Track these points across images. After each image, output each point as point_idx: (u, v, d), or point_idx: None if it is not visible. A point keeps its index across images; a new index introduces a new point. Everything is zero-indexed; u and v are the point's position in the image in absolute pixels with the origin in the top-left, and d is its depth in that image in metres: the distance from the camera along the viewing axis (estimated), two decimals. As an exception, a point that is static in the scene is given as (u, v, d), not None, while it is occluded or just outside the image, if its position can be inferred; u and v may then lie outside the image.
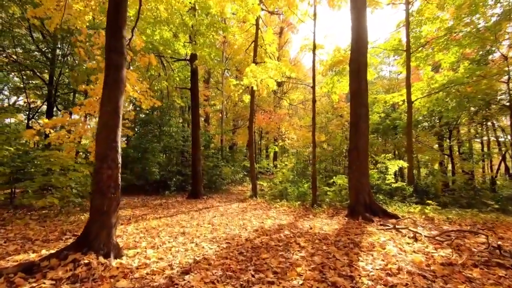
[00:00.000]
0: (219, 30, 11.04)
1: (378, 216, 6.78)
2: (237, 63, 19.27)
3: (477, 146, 17.02)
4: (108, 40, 3.87)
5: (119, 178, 3.76)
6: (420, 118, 14.29)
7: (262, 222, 6.56)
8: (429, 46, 11.98)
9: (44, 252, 3.90)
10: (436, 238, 4.60)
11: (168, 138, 15.40)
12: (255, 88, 9.50)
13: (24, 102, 15.64)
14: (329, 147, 16.55)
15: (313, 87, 9.80)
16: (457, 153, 15.14)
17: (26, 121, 14.88)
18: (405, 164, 10.17)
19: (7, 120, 14.93)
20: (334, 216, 7.37)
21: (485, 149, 15.98)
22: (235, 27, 14.20)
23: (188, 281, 2.94)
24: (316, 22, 9.68)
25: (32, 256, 3.71)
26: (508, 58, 10.73)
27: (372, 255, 3.84)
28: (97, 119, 4.82)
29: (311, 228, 5.76)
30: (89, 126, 10.94)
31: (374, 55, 15.17)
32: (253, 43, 12.67)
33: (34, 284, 2.75)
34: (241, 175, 19.00)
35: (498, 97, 12.05)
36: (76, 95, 14.78)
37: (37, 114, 15.80)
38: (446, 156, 14.89)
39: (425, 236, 4.66)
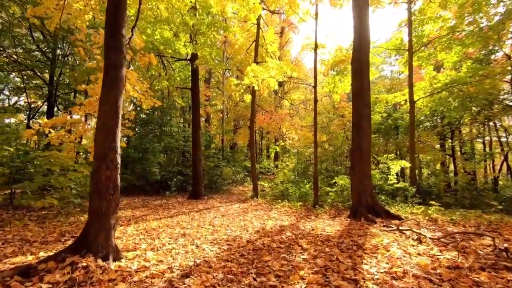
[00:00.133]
0: (220, 30, 10.98)
1: (380, 217, 6.71)
2: (238, 63, 19.20)
3: (479, 146, 16.90)
4: (107, 39, 3.80)
5: (118, 179, 3.69)
6: (422, 118, 14.19)
7: (264, 223, 6.49)
8: (432, 45, 11.88)
9: (42, 254, 3.84)
10: (441, 240, 4.52)
11: (168, 138, 15.34)
12: (256, 87, 9.43)
13: (25, 102, 15.62)
14: (330, 147, 16.45)
15: (315, 87, 9.72)
16: (459, 153, 15.02)
17: (26, 121, 14.85)
18: (407, 164, 10.08)
19: (7, 120, 14.92)
20: (336, 217, 7.29)
21: (487, 149, 15.86)
22: (236, 26, 14.12)
23: (188, 285, 2.88)
24: (317, 21, 9.61)
25: (30, 259, 3.65)
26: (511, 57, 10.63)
27: (376, 258, 3.76)
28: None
29: (313, 230, 5.68)
30: (89, 126, 10.90)
31: (376, 54, 15.08)
32: (254, 42, 12.61)
33: (30, 288, 2.68)
34: (242, 175, 18.94)
35: (501, 97, 11.94)
36: (77, 95, 14.75)
37: (37, 114, 15.77)
38: (448, 156, 14.79)
39: (430, 238, 4.58)
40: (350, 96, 18.85)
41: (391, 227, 5.63)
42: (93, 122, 14.33)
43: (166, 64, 13.80)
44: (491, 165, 17.56)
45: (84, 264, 3.06)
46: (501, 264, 3.40)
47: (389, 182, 9.83)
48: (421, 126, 14.66)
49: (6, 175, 7.67)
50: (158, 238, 5.00)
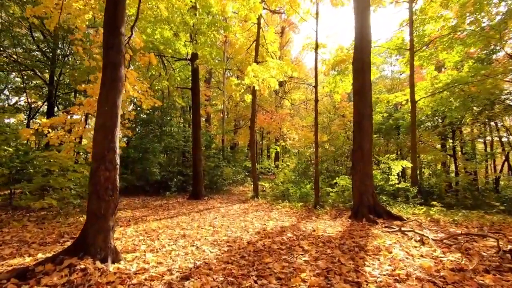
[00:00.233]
0: (220, 29, 10.93)
1: (382, 218, 6.65)
2: (238, 63, 19.14)
3: (480, 146, 16.83)
4: (106, 37, 3.76)
5: (117, 180, 3.64)
6: (424, 118, 14.13)
7: (264, 224, 6.44)
8: (433, 45, 11.81)
9: (40, 256, 3.79)
10: (444, 241, 4.46)
11: (169, 138, 15.30)
12: (256, 87, 9.38)
13: (25, 102, 15.61)
14: (331, 147, 16.40)
15: (316, 87, 9.67)
16: (460, 153, 14.95)
17: (26, 122, 14.83)
18: (409, 165, 10.03)
19: (8, 120, 14.89)
20: (337, 218, 7.23)
21: (488, 149, 15.79)
22: (237, 26, 14.07)
23: (188, 288, 2.83)
24: (318, 21, 9.56)
25: (28, 260, 3.60)
26: (513, 57, 10.58)
27: (379, 260, 3.71)
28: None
29: (314, 231, 5.63)
30: (89, 126, 10.86)
31: (377, 54, 15.03)
32: (255, 42, 12.56)
33: (27, 291, 2.64)
34: (243, 176, 18.89)
35: (503, 97, 11.88)
36: (77, 95, 14.72)
37: (38, 114, 15.75)
38: (449, 157, 14.72)
39: (432, 239, 4.52)
40: (351, 96, 18.83)
41: (393, 228, 5.57)
42: (92, 122, 14.28)
43: (166, 64, 13.76)
44: (492, 165, 17.49)
45: (82, 266, 3.01)
46: (506, 267, 3.34)
47: (390, 182, 9.77)
48: (422, 126, 14.61)
49: (6, 176, 7.64)
50: (158, 239, 4.95)
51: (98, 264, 3.17)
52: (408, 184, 9.57)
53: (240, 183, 18.05)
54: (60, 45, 13.29)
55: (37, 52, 13.35)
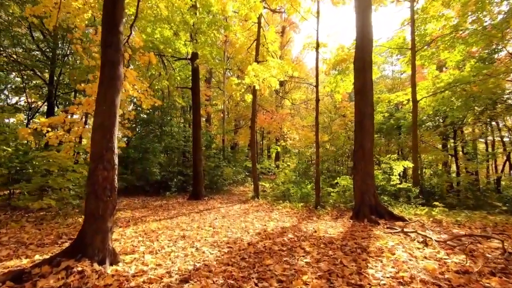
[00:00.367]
0: (221, 29, 10.86)
1: (384, 219, 6.58)
2: (239, 62, 19.08)
3: (481, 146, 16.74)
4: (105, 36, 3.70)
5: (116, 180, 3.58)
6: (425, 117, 14.05)
7: (265, 225, 6.38)
8: (435, 44, 11.74)
9: (37, 257, 3.73)
10: (448, 242, 4.40)
11: (169, 138, 15.24)
12: (257, 87, 9.31)
13: (25, 102, 15.56)
14: (331, 147, 16.33)
15: (316, 86, 9.60)
16: (461, 153, 14.87)
17: (26, 121, 14.78)
18: (410, 165, 9.96)
19: (7, 120, 14.84)
20: (339, 218, 7.17)
21: (489, 149, 15.71)
22: (237, 25, 14.01)
23: (187, 291, 2.77)
24: (319, 20, 9.49)
25: (25, 262, 3.54)
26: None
27: (381, 262, 3.64)
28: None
29: (315, 231, 5.56)
30: (88, 126, 10.80)
31: (378, 54, 14.94)
32: (255, 41, 12.50)
33: (22, 294, 2.58)
34: (243, 176, 18.82)
35: (505, 96, 11.80)
36: (77, 94, 14.67)
37: (38, 114, 15.69)
38: (450, 157, 14.65)
39: (436, 241, 4.46)
40: (352, 96, 18.76)
41: (395, 229, 5.51)
42: (92, 121, 14.23)
43: (166, 64, 13.69)
44: (493, 165, 17.40)
45: (80, 268, 2.95)
46: (511, 269, 3.28)
47: (391, 182, 9.70)
48: (423, 126, 14.54)
49: (5, 176, 7.59)
50: (157, 240, 4.89)
51: (96, 266, 3.11)
52: (410, 185, 9.50)
53: (241, 183, 17.98)
54: (60, 45, 13.23)
55: (37, 52, 13.30)
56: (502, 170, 14.82)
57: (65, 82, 14.20)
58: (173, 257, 3.91)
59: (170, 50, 11.46)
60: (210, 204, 10.25)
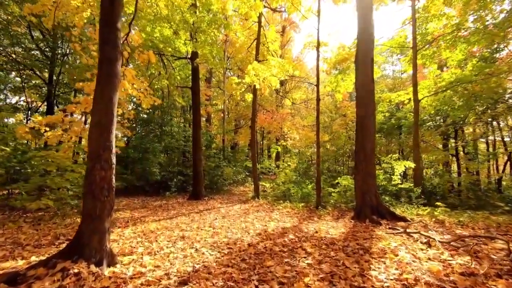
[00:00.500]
0: (221, 28, 10.78)
1: (385, 219, 6.51)
2: (239, 62, 19.02)
3: (482, 146, 16.66)
4: (102, 33, 3.63)
5: (113, 179, 3.51)
6: (426, 117, 13.98)
7: (265, 225, 6.30)
8: (436, 43, 11.66)
9: (34, 259, 3.67)
10: (451, 243, 4.32)
11: (169, 138, 15.17)
12: (257, 86, 9.24)
13: (24, 102, 15.51)
14: (332, 147, 16.27)
15: (317, 85, 9.53)
16: (462, 153, 14.79)
17: (25, 121, 14.71)
18: (412, 165, 9.88)
19: (6, 120, 14.79)
20: (340, 219, 7.09)
21: (491, 149, 15.63)
22: (237, 24, 13.94)
23: (186, 294, 2.70)
24: (320, 19, 9.41)
25: (21, 264, 3.47)
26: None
27: (385, 263, 3.57)
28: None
29: (316, 232, 5.49)
30: (87, 126, 10.73)
31: (378, 53, 14.89)
32: (255, 41, 12.43)
33: (17, 297, 2.51)
34: (243, 176, 18.74)
35: (507, 96, 11.73)
36: (77, 94, 14.61)
37: (36, 113, 15.63)
38: (451, 156, 14.57)
39: (439, 241, 4.38)
40: (353, 95, 18.70)
41: (398, 230, 5.43)
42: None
43: (166, 63, 13.61)
44: (494, 165, 17.32)
45: (76, 270, 2.88)
46: (518, 271, 3.20)
47: (393, 182, 9.63)
48: (424, 125, 14.47)
49: (3, 176, 7.53)
50: (156, 241, 4.82)
51: (93, 267, 3.04)
52: (411, 184, 9.43)
53: (241, 183, 17.90)
54: (59, 44, 13.16)
55: (36, 51, 13.23)
56: (503, 170, 14.75)
57: (64, 82, 14.13)
58: (172, 258, 3.83)
59: (170, 49, 11.39)
60: (210, 204, 10.18)
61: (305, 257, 3.86)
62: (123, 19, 8.55)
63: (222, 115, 21.55)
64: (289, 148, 21.31)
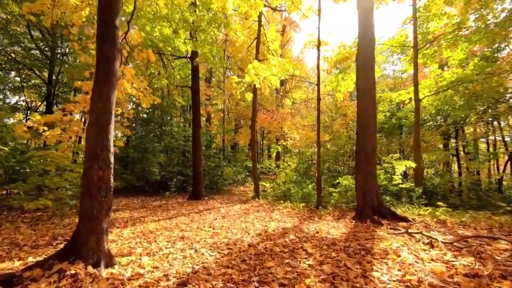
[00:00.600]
0: (221, 27, 10.73)
1: (387, 219, 6.45)
2: (239, 62, 18.98)
3: (482, 146, 16.61)
4: (100, 31, 3.57)
5: (111, 179, 3.46)
6: (427, 117, 13.92)
7: (266, 225, 6.25)
8: (437, 42, 11.61)
9: (31, 259, 3.61)
10: (454, 244, 4.27)
11: (169, 137, 15.12)
12: (257, 85, 9.17)
13: (24, 101, 15.45)
14: (333, 146, 16.20)
15: (318, 85, 9.47)
16: (462, 153, 14.73)
17: (25, 121, 14.66)
18: (413, 164, 9.82)
19: (6, 120, 14.73)
20: (341, 219, 7.04)
21: (491, 149, 15.58)
22: (237, 23, 13.88)
23: (185, 295, 2.64)
24: (320, 17, 9.35)
25: (17, 265, 3.42)
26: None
27: (387, 264, 3.51)
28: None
29: (317, 232, 5.43)
30: (87, 125, 10.67)
31: (379, 52, 14.83)
32: (256, 40, 12.37)
33: (12, 299, 2.46)
34: (243, 176, 18.68)
35: (508, 95, 11.67)
36: (77, 93, 14.55)
37: (35, 113, 15.56)
38: (451, 156, 14.52)
39: (442, 242, 4.33)
40: (353, 95, 18.65)
41: (399, 230, 5.38)
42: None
43: (165, 62, 13.55)
44: (495, 165, 17.27)
45: (73, 271, 2.83)
46: (523, 272, 3.15)
47: (394, 182, 9.57)
48: (425, 125, 14.42)
49: (2, 175, 7.47)
50: (155, 241, 4.76)
51: (90, 269, 2.99)
52: (412, 184, 9.37)
53: (241, 183, 17.84)
54: (59, 44, 13.11)
55: (35, 51, 13.18)
56: (504, 170, 14.70)
57: (64, 81, 14.08)
58: (171, 259, 3.78)
59: (169, 48, 11.33)
60: (210, 204, 10.12)
61: (306, 258, 3.80)
62: (123, 18, 8.51)
63: (222, 115, 21.50)
64: (289, 148, 21.26)
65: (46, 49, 12.90)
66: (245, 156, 22.71)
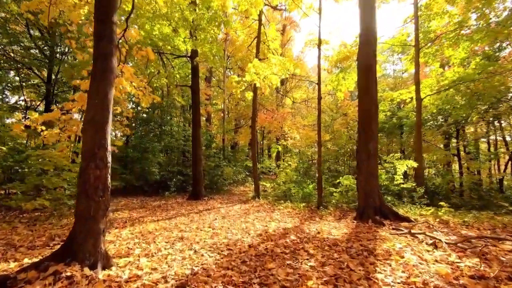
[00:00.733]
0: (221, 25, 10.64)
1: (389, 219, 6.38)
2: (239, 61, 18.90)
3: (483, 146, 16.53)
4: (97, 27, 3.49)
5: (109, 179, 3.38)
6: (428, 117, 13.84)
7: (266, 226, 6.17)
8: (439, 41, 11.53)
9: (26, 261, 3.53)
10: (458, 245, 4.19)
11: (168, 137, 15.03)
12: (258, 85, 9.10)
13: (23, 101, 15.37)
14: (333, 146, 16.12)
15: (319, 84, 9.40)
16: (463, 153, 14.66)
17: (23, 120, 14.59)
18: (415, 164, 9.74)
19: (6, 120, 14.66)
20: (342, 219, 6.96)
21: (492, 149, 15.50)
22: (237, 23, 13.81)
23: (184, 298, 2.56)
24: (321, 16, 9.29)
25: (12, 266, 3.34)
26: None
27: (390, 265, 3.44)
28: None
29: (318, 233, 5.36)
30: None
31: (380, 52, 14.74)
32: (256, 39, 12.30)
33: (5, 302, 2.38)
34: (243, 176, 18.60)
35: (510, 95, 11.59)
36: (76, 93, 14.47)
37: (34, 112, 15.49)
38: (452, 156, 14.45)
39: (445, 243, 4.25)
40: (354, 94, 18.56)
41: (402, 230, 5.30)
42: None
43: (165, 61, 13.48)
44: (496, 165, 17.20)
45: (68, 273, 2.75)
46: (530, 274, 3.07)
47: (395, 182, 9.50)
48: (426, 125, 14.34)
49: (0, 175, 7.40)
50: (154, 242, 4.69)
51: (86, 270, 2.91)
52: (414, 184, 9.29)
53: (241, 183, 17.76)
54: (58, 43, 13.04)
55: (35, 50, 13.10)
56: (505, 170, 14.64)
57: (63, 81, 14.01)
58: (170, 261, 3.70)
59: (169, 47, 11.24)
60: (210, 204, 10.05)
61: (307, 259, 3.73)
62: (122, 18, 8.43)
63: (222, 114, 21.42)
64: (289, 148, 21.18)
65: (45, 48, 12.83)
66: (245, 156, 22.64)
